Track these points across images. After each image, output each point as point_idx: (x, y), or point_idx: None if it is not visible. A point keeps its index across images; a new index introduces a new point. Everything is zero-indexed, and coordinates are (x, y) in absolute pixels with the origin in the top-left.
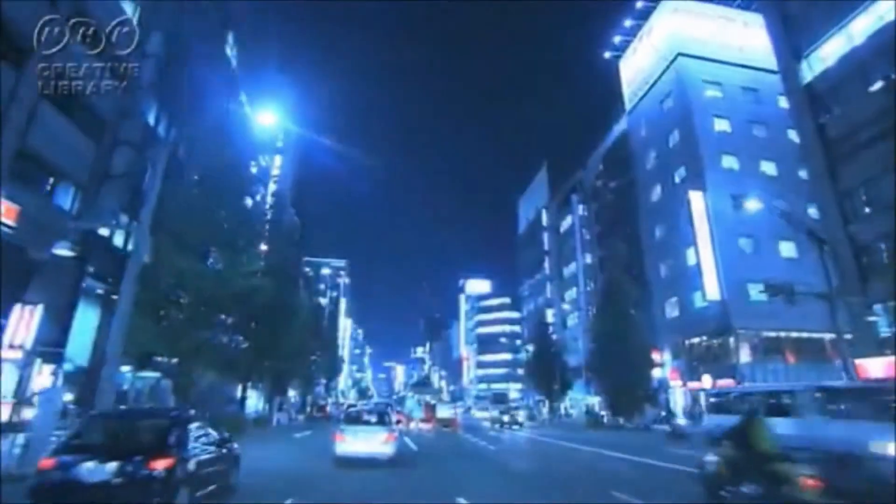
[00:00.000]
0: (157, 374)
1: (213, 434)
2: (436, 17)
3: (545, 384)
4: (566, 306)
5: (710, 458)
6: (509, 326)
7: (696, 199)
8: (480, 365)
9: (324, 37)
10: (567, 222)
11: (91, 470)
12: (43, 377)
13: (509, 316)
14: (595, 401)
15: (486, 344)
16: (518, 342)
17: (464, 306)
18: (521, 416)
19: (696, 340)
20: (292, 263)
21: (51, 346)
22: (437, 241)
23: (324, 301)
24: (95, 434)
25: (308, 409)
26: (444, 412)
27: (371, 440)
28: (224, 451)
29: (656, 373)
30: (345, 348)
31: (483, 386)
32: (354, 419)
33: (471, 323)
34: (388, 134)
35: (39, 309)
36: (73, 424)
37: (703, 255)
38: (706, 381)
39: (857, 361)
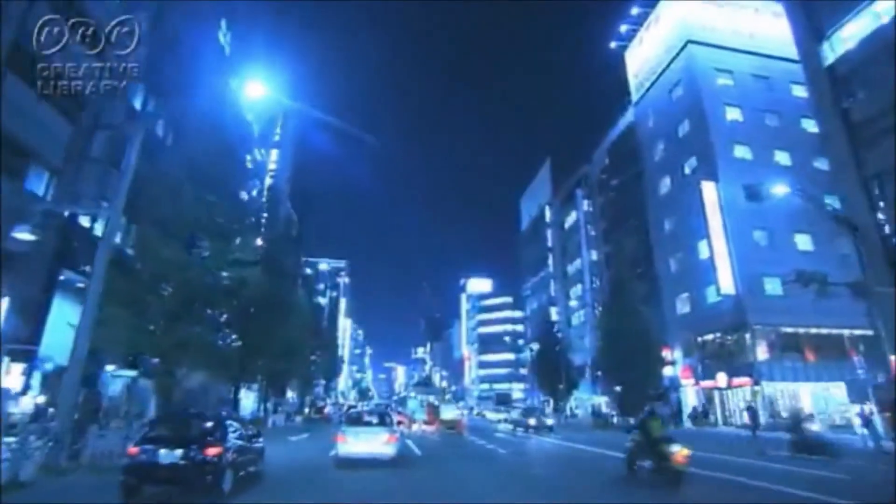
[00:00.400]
0: (132, 373)
1: (244, 432)
2: (435, 13)
3: (550, 384)
4: (573, 302)
5: (628, 443)
6: (511, 326)
7: (709, 190)
8: (482, 365)
9: (322, 31)
10: (571, 218)
11: (165, 454)
12: (12, 377)
13: (511, 315)
14: (601, 400)
15: (487, 343)
16: (520, 342)
17: (465, 306)
18: (550, 419)
19: (709, 337)
20: (288, 257)
21: (21, 343)
22: (438, 240)
23: (323, 301)
24: (163, 430)
25: (306, 410)
26: (448, 413)
27: (373, 441)
28: (253, 445)
29: (667, 371)
30: (345, 348)
31: (485, 386)
32: (356, 420)
33: (472, 322)
34: (387, 131)
35: (5, 302)
36: (45, 430)
37: (717, 247)
38: (721, 379)
39: (893, 357)
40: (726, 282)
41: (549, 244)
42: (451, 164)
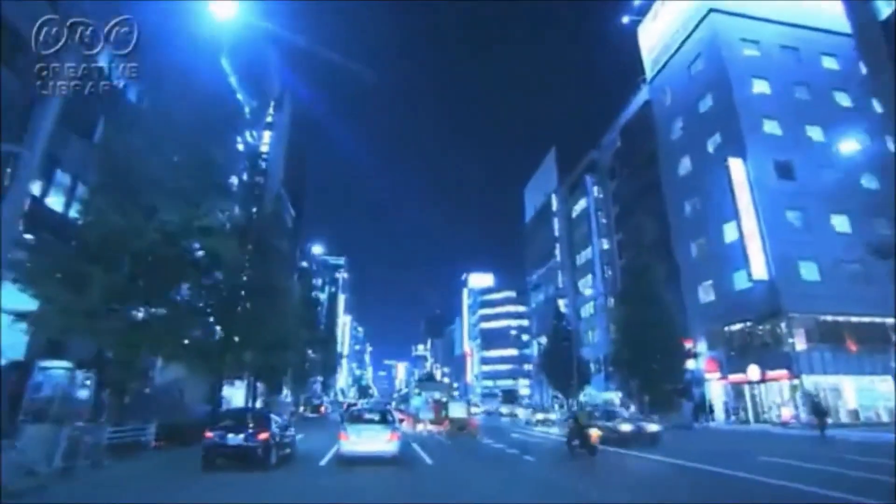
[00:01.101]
0: (64, 364)
1: (281, 422)
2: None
3: (561, 379)
4: (587, 291)
5: (567, 429)
6: (515, 321)
7: (736, 167)
8: (484, 361)
9: (325, 17)
10: (580, 205)
11: (232, 438)
12: None
13: (515, 310)
14: (614, 396)
15: (490, 339)
16: (524, 337)
17: (466, 301)
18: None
19: (737, 327)
20: (279, 240)
21: None
22: (439, 236)
23: (322, 296)
24: (227, 421)
25: (301, 408)
26: (457, 411)
27: (375, 439)
28: (286, 433)
29: (689, 364)
30: (344, 345)
31: (489, 382)
32: (357, 418)
33: (474, 318)
34: (384, 123)
35: None
36: None
37: (747, 229)
38: (753, 372)
39: None
40: (758, 266)
41: (556, 234)
42: (451, 158)
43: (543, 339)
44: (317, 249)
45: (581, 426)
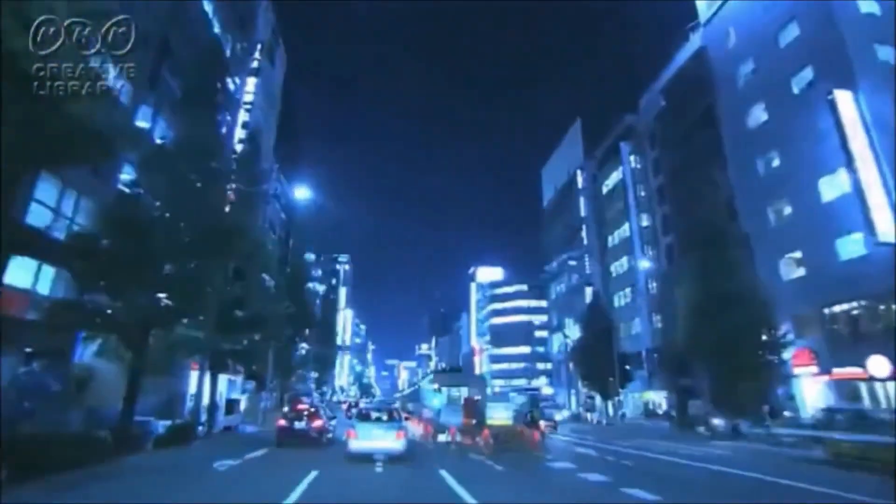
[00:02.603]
0: None
1: (326, 414)
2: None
3: (598, 376)
4: (643, 264)
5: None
6: (528, 316)
7: (845, 102)
8: (494, 359)
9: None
10: (613, 179)
11: (297, 424)
12: None
13: (527, 304)
14: (658, 397)
15: (501, 336)
16: (538, 333)
17: (475, 296)
18: None
19: (842, 308)
20: (248, 182)
21: None
22: (444, 229)
23: (321, 287)
24: (292, 413)
25: (285, 408)
26: (499, 416)
27: (383, 437)
28: (332, 422)
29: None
30: (345, 341)
31: (500, 382)
32: (365, 417)
33: (483, 314)
34: (384, 117)
35: None
36: None
37: (867, 178)
38: (877, 365)
39: None
40: (886, 224)
41: (583, 214)
42: (455, 143)
43: (568, 333)
44: (302, 193)
45: (535, 419)
